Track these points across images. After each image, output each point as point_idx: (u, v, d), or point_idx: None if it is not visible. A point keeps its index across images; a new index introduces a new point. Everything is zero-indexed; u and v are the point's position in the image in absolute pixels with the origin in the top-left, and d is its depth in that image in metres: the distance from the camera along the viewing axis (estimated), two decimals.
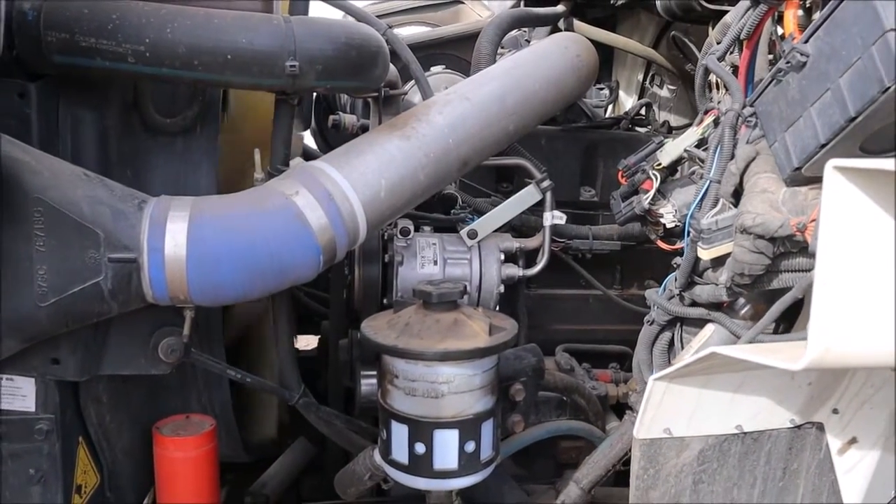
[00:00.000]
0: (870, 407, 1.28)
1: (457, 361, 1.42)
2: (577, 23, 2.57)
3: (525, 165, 1.94)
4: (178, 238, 1.29)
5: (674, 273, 1.50)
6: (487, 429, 1.50)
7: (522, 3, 2.68)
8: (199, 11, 1.38)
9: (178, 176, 1.64)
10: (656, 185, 1.55)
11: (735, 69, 1.46)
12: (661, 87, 2.76)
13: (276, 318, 1.77)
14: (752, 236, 1.19)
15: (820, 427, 1.29)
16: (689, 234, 1.39)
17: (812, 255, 0.96)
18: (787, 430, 1.28)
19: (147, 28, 1.33)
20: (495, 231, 1.92)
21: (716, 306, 1.43)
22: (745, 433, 1.26)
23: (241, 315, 2.08)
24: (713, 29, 1.77)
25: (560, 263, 2.11)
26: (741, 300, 1.42)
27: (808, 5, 1.29)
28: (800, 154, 1.16)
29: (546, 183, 1.89)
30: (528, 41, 2.65)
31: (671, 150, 1.56)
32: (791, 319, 1.36)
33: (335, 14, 1.91)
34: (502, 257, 1.90)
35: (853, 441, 1.30)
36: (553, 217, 1.91)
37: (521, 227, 2.04)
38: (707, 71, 1.52)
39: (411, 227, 1.82)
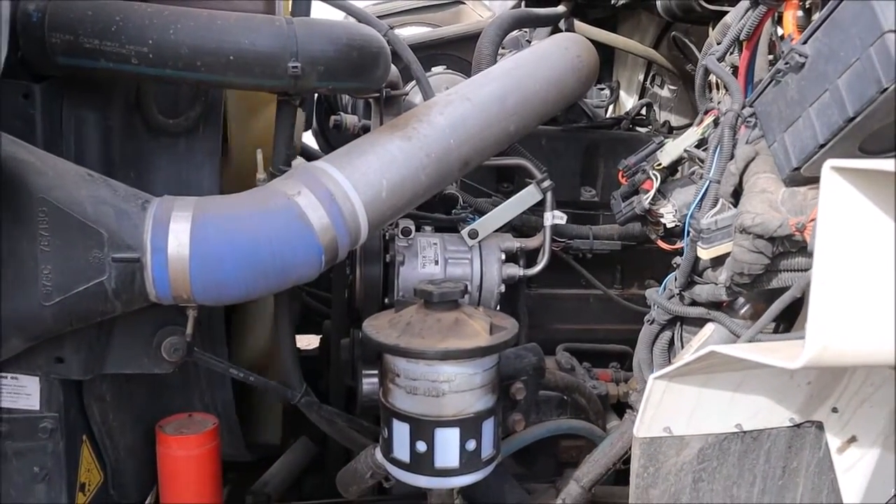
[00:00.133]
0: (869, 406, 1.28)
1: (458, 360, 1.43)
2: (577, 23, 2.58)
3: (526, 165, 1.94)
4: (181, 238, 1.29)
5: (674, 273, 1.50)
6: (488, 427, 1.50)
7: (523, 4, 2.68)
8: (201, 13, 1.39)
9: (180, 176, 1.65)
10: (656, 185, 1.56)
11: (735, 70, 1.46)
12: (661, 87, 2.76)
13: (278, 318, 1.79)
14: (752, 236, 1.20)
15: (819, 426, 1.29)
16: (688, 234, 1.40)
17: (811, 255, 0.97)
18: (787, 429, 1.28)
19: (150, 29, 1.34)
20: (496, 231, 1.92)
21: (716, 306, 1.44)
22: (745, 432, 1.26)
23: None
24: (713, 29, 1.78)
25: (561, 263, 2.11)
26: (741, 300, 1.42)
27: (807, 6, 1.29)
28: (799, 154, 1.16)
29: (546, 183, 1.90)
30: (529, 41, 2.66)
31: (671, 150, 1.56)
32: (791, 319, 1.36)
33: (337, 15, 1.92)
34: (503, 257, 1.90)
35: (853, 440, 1.30)
36: (553, 217, 1.91)
37: (521, 226, 2.05)
38: (707, 71, 1.52)
39: (412, 227, 1.83)
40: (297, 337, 2.00)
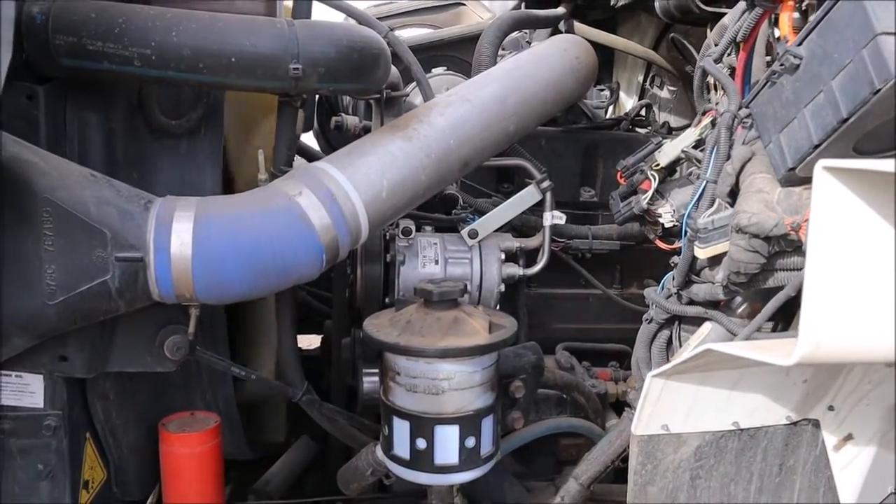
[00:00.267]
0: (865, 404, 1.28)
1: (457, 358, 1.44)
2: (577, 24, 2.58)
3: (525, 166, 1.95)
4: (183, 237, 1.30)
5: (672, 272, 1.51)
6: (487, 425, 1.52)
7: (523, 5, 2.69)
8: (203, 15, 1.40)
9: (182, 177, 1.66)
10: (654, 185, 1.57)
11: (733, 71, 1.48)
12: (661, 88, 2.77)
13: (280, 317, 1.80)
14: (748, 235, 1.21)
15: (816, 424, 1.29)
16: (686, 234, 1.41)
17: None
18: (784, 427, 1.29)
19: (153, 32, 1.35)
20: (496, 231, 1.93)
21: (713, 305, 1.45)
22: (742, 430, 1.27)
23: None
24: (711, 31, 1.79)
25: (560, 263, 2.12)
26: (738, 299, 1.43)
27: (803, 8, 1.30)
28: (794, 154, 1.18)
29: (546, 183, 1.91)
30: (529, 42, 2.67)
31: (669, 150, 1.57)
32: (789, 318, 1.37)
33: (338, 17, 1.93)
34: (503, 257, 1.91)
35: (849, 437, 1.31)
36: (553, 217, 1.92)
37: (521, 226, 2.05)
38: (705, 73, 1.53)
39: (413, 227, 1.84)
40: (299, 337, 2.01)
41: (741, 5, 1.44)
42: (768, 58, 1.43)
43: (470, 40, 2.30)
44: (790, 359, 0.88)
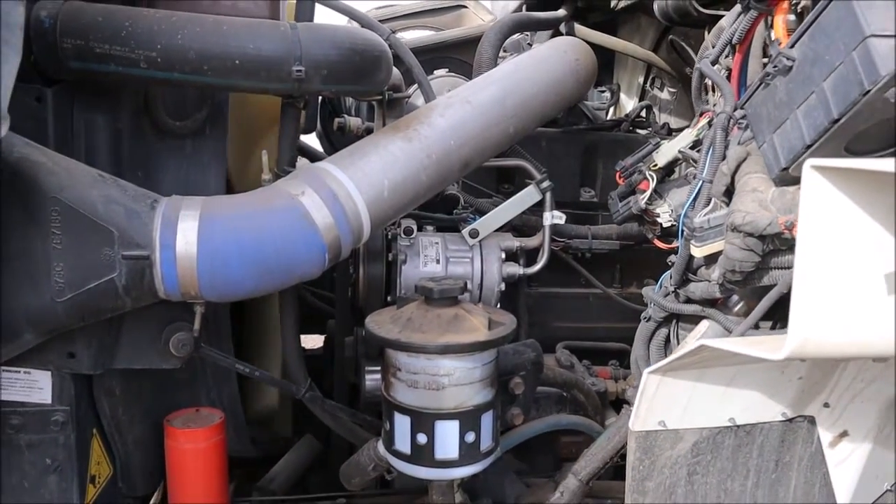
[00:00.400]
0: (860, 401, 1.30)
1: (457, 354, 1.46)
2: (578, 27, 2.60)
3: (525, 166, 1.97)
4: (188, 236, 1.33)
5: (669, 271, 1.53)
6: (487, 420, 1.53)
7: (524, 8, 2.71)
8: (208, 18, 1.42)
9: (187, 177, 1.68)
10: (652, 185, 1.58)
11: (730, 73, 1.49)
12: (661, 89, 2.78)
13: (283, 315, 1.82)
14: (742, 234, 1.22)
15: (811, 420, 1.31)
16: (683, 233, 1.43)
17: None
18: (779, 424, 1.30)
19: (159, 34, 1.37)
20: (496, 230, 1.95)
21: (710, 303, 1.46)
22: (738, 426, 1.28)
23: None
24: (709, 33, 1.81)
25: (560, 262, 2.14)
26: (735, 297, 1.44)
27: (799, 10, 1.32)
28: (787, 154, 1.19)
29: (546, 183, 1.92)
30: (531, 44, 2.69)
31: (666, 151, 1.59)
32: (787, 316, 1.39)
33: (340, 20, 1.95)
34: (503, 256, 1.93)
35: (844, 434, 1.32)
36: (553, 217, 1.93)
37: (521, 226, 2.07)
38: (702, 74, 1.55)
39: (414, 227, 1.86)
40: (303, 337, 2.03)
41: (737, 8, 1.45)
42: (765, 60, 1.44)
43: (471, 42, 2.31)
44: (779, 353, 0.90)
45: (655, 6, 2.09)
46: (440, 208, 2.02)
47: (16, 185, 1.24)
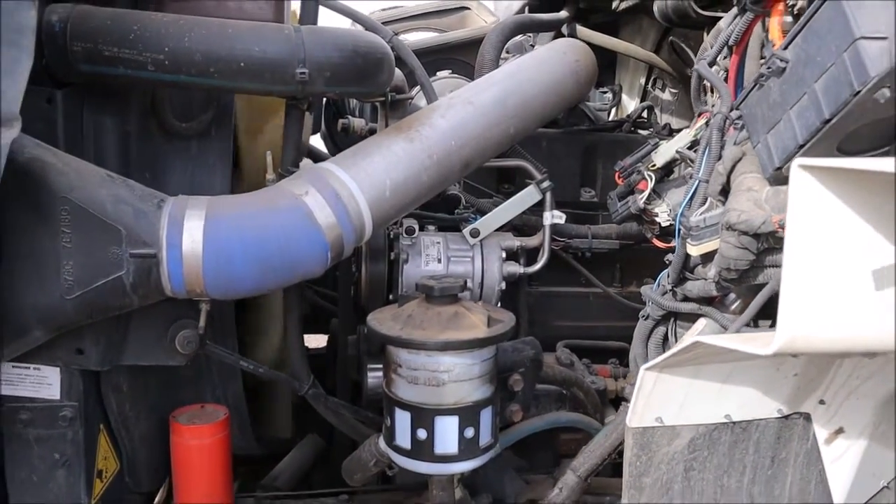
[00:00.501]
0: (856, 398, 1.30)
1: (457, 351, 1.48)
2: (579, 28, 2.61)
3: (525, 167, 1.99)
4: (194, 235, 1.35)
5: (667, 269, 1.55)
6: (486, 416, 1.55)
7: (527, 9, 2.73)
8: (214, 22, 1.45)
9: (193, 177, 1.70)
10: (651, 185, 1.60)
11: (728, 74, 1.51)
12: (662, 90, 2.79)
13: (287, 313, 1.84)
14: (737, 233, 1.24)
15: (807, 417, 1.31)
16: (679, 232, 1.45)
17: None
18: (775, 420, 1.31)
19: (166, 38, 1.40)
20: (497, 230, 1.97)
21: (707, 301, 1.48)
22: (734, 423, 1.29)
23: None
24: (708, 35, 1.83)
25: (561, 262, 2.15)
26: (732, 295, 1.46)
27: (795, 12, 1.34)
28: (780, 154, 1.21)
29: (546, 183, 1.94)
30: (533, 46, 2.71)
31: (665, 151, 1.61)
32: None
33: (344, 22, 1.98)
34: (504, 255, 1.95)
35: (840, 431, 1.33)
36: (553, 216, 1.95)
37: (522, 226, 2.09)
38: (700, 76, 1.57)
39: (416, 226, 1.88)
40: (307, 337, 2.04)
41: (734, 10, 1.47)
42: (762, 61, 1.46)
43: (474, 44, 2.33)
44: (769, 349, 0.92)
45: (655, 7, 2.10)
46: (442, 208, 2.03)
47: (26, 185, 1.27)
